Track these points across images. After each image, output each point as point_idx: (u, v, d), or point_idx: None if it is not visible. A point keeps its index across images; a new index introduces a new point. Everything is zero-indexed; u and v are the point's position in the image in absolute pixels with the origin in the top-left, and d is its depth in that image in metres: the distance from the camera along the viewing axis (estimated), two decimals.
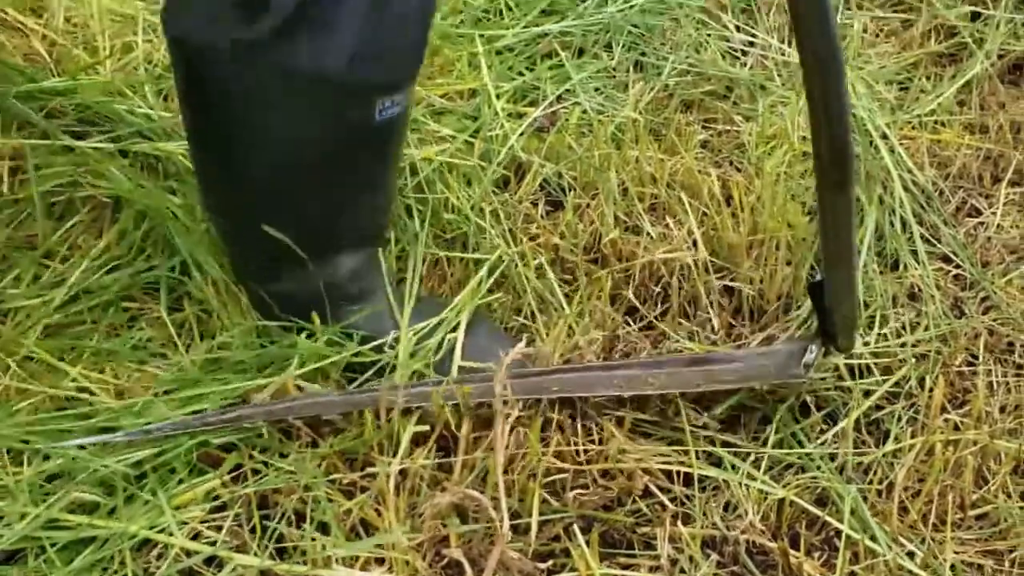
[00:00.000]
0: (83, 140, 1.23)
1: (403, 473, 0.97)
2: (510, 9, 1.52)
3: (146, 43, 1.37)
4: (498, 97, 1.36)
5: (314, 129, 0.98)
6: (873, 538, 0.98)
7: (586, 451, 1.01)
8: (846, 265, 0.99)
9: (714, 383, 1.05)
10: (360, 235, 1.08)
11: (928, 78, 1.55)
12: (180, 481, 0.98)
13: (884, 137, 1.39)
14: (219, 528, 0.94)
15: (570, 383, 1.04)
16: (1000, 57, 1.58)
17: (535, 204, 1.28)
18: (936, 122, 1.47)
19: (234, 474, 0.99)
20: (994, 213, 1.38)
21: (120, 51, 1.35)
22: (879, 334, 1.18)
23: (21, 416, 1.03)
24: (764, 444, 1.06)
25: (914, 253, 1.29)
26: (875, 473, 1.05)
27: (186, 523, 0.94)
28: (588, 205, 1.24)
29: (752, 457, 1.05)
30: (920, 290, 1.25)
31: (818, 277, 1.03)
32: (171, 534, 0.92)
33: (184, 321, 1.15)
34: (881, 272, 1.26)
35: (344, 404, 1.02)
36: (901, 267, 1.27)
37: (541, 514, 0.96)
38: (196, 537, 0.94)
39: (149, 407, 1.03)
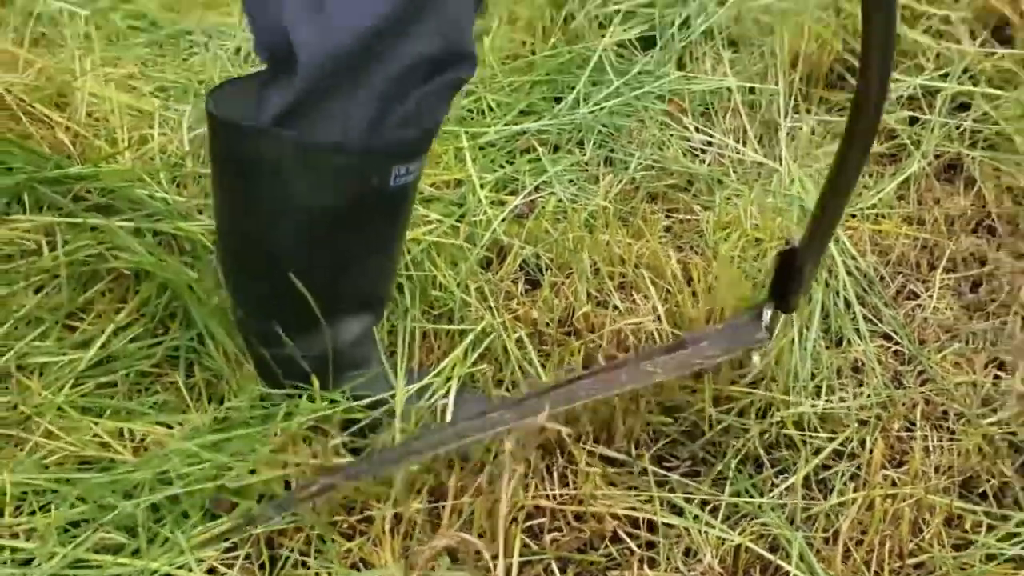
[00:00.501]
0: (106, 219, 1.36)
1: (397, 517, 1.08)
2: (491, 109, 1.67)
3: (161, 136, 1.51)
4: (482, 187, 1.50)
5: (331, 196, 1.09)
6: None
7: (561, 496, 1.12)
8: (830, 226, 1.17)
9: (701, 360, 1.18)
10: (366, 299, 1.20)
11: (870, 175, 1.70)
12: (195, 524, 1.08)
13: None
14: (232, 566, 1.05)
15: (583, 389, 1.14)
16: (936, 157, 1.74)
17: (515, 283, 1.41)
18: (877, 214, 1.62)
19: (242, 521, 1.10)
20: (930, 297, 1.52)
21: (137, 143, 1.49)
22: (826, 400, 1.30)
23: (47, 471, 1.14)
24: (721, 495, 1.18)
25: (857, 331, 1.43)
26: (821, 523, 1.17)
27: (203, 561, 1.04)
28: (563, 283, 1.38)
29: (710, 506, 1.16)
30: (863, 364, 1.38)
31: (791, 245, 1.18)
32: (191, 570, 1.03)
33: (195, 385, 1.27)
34: (827, 347, 1.39)
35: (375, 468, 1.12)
36: (845, 343, 1.41)
37: (521, 555, 1.07)
38: (212, 573, 1.04)
39: (165, 462, 1.14)
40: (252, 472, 1.12)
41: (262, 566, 1.05)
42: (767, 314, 1.23)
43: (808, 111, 1.79)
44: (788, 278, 1.21)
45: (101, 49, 1.62)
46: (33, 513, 1.09)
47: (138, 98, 1.55)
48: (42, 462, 1.15)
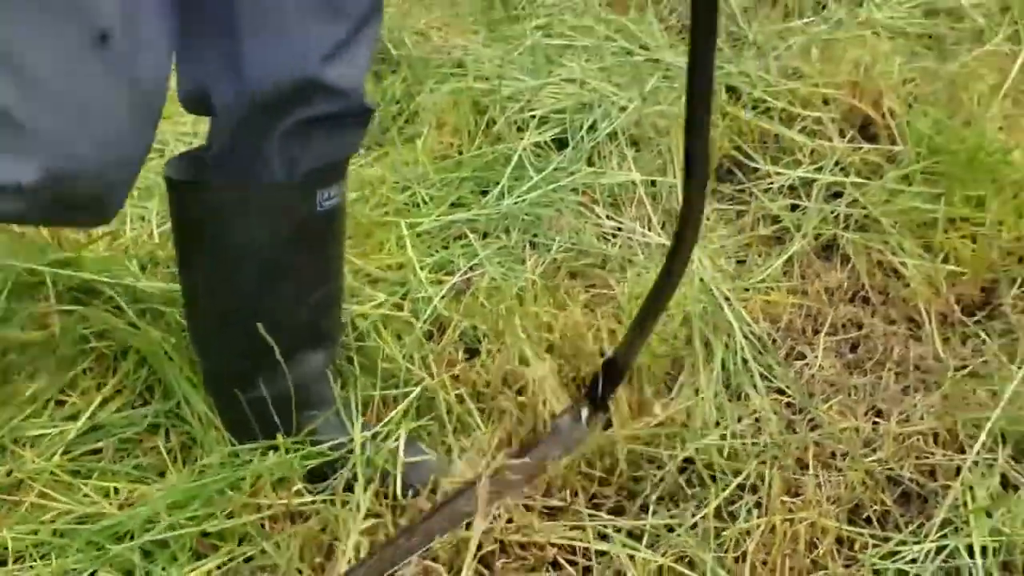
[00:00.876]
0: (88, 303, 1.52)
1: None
2: (426, 202, 1.87)
3: (132, 230, 1.67)
4: (421, 268, 1.68)
5: (270, 230, 1.29)
6: None
7: (505, 527, 1.29)
8: (645, 335, 1.42)
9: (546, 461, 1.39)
10: (321, 332, 1.38)
11: (759, 255, 1.93)
12: (183, 564, 1.22)
13: (727, 299, 1.75)
14: None
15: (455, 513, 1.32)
16: (815, 238, 1.98)
17: (456, 351, 1.59)
18: (767, 287, 1.84)
19: (226, 558, 1.24)
20: (816, 357, 1.73)
21: (110, 235, 1.64)
22: (729, 445, 1.50)
23: (44, 525, 1.27)
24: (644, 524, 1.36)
25: (754, 386, 1.63)
26: (731, 545, 1.35)
27: None
28: (498, 350, 1.56)
29: (635, 534, 1.34)
30: (760, 413, 1.58)
31: (609, 356, 1.41)
32: None
33: (171, 449, 1.41)
34: (729, 399, 1.59)
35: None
36: (744, 396, 1.61)
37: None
38: None
39: (151, 512, 1.27)
40: (230, 516, 1.27)
41: None
42: (585, 414, 1.46)
43: None
44: (608, 383, 1.45)
45: None
46: (33, 565, 1.22)
47: None
48: (39, 519, 1.27)
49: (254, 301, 1.34)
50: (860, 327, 1.80)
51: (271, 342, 1.32)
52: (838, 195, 2.03)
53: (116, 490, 1.33)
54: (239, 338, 1.35)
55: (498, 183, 1.92)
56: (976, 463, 1.48)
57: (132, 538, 1.23)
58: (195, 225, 1.33)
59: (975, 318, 1.81)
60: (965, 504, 1.42)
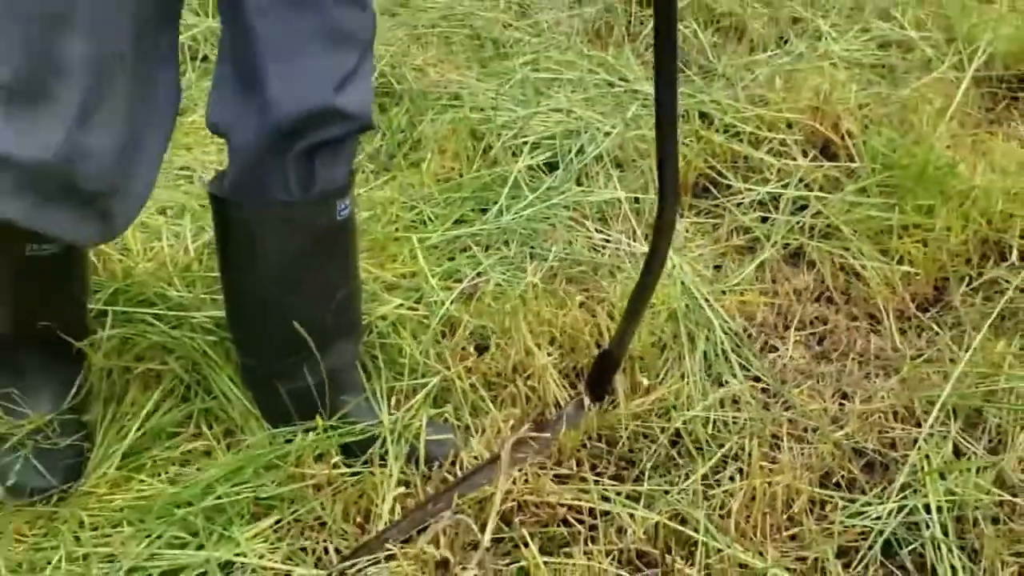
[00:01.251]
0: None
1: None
2: (432, 220, 2.06)
3: (169, 246, 1.85)
4: (432, 276, 1.87)
5: (299, 240, 1.48)
6: (717, 542, 1.46)
7: (521, 490, 1.47)
8: (632, 330, 1.60)
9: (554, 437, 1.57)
10: (349, 323, 1.57)
11: (734, 262, 2.13)
12: (242, 526, 1.39)
13: (707, 300, 1.95)
14: (277, 550, 1.36)
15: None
16: (784, 247, 2.18)
17: (466, 348, 1.77)
18: (742, 290, 2.04)
19: (278, 518, 1.42)
20: (787, 349, 1.93)
21: (152, 254, 1.83)
22: (713, 420, 1.69)
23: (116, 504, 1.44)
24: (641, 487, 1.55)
25: (733, 374, 1.83)
26: (718, 504, 1.54)
27: (253, 550, 1.35)
28: (506, 344, 1.75)
29: (634, 495, 1.53)
30: (739, 397, 1.78)
31: (605, 348, 1.59)
32: (246, 556, 1.33)
33: (216, 437, 1.58)
34: (711, 386, 1.78)
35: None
36: (724, 382, 1.80)
37: (498, 533, 1.41)
38: (262, 559, 1.35)
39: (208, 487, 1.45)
40: (279, 485, 1.45)
41: (302, 549, 1.37)
42: (586, 400, 1.66)
43: (681, 215, 2.23)
44: (605, 372, 1.65)
45: None
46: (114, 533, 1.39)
47: (145, 217, 1.89)
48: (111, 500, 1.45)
49: (290, 300, 1.52)
50: (826, 323, 2.00)
51: (306, 336, 1.50)
52: (803, 208, 2.24)
53: (169, 475, 1.50)
54: (278, 334, 1.53)
55: (496, 202, 2.11)
56: (931, 434, 1.68)
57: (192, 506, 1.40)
58: (234, 236, 1.52)
59: (928, 313, 2.02)
60: (922, 469, 1.62)
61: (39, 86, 1.24)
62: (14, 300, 1.55)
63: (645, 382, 1.71)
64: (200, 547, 1.35)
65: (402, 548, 1.36)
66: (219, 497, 1.41)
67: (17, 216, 1.31)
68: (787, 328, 1.99)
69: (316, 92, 1.38)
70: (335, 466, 1.48)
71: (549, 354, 1.73)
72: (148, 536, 1.36)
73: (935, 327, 1.97)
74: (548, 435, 1.57)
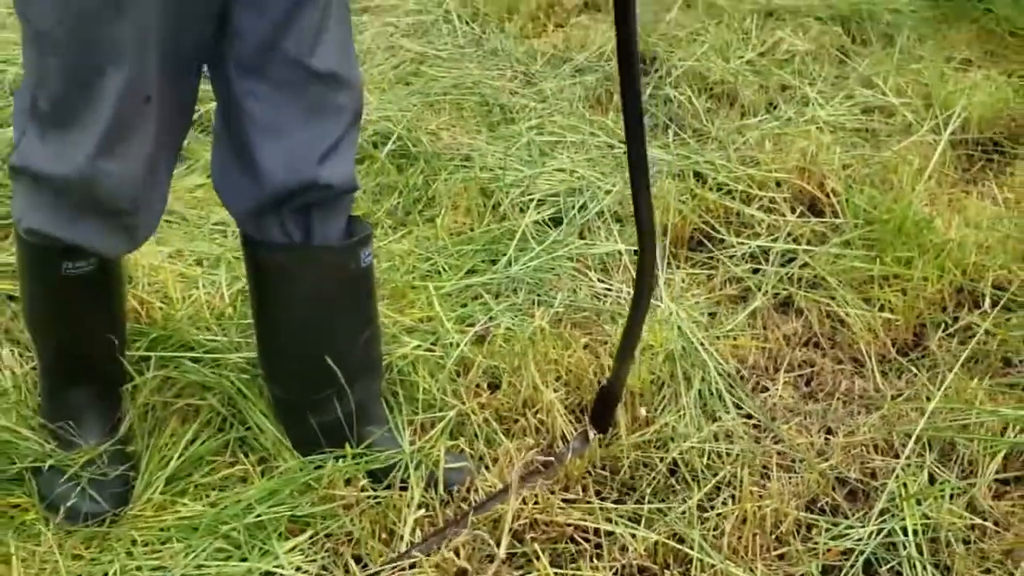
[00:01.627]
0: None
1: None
2: (446, 270, 2.23)
3: (205, 294, 2.01)
4: (447, 321, 2.03)
5: (329, 284, 1.65)
6: (711, 559, 1.60)
7: (532, 509, 1.62)
8: (627, 366, 1.74)
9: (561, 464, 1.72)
10: (373, 361, 1.73)
11: (727, 310, 2.28)
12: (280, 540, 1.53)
13: (702, 344, 2.10)
14: (315, 562, 1.50)
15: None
16: (774, 296, 2.34)
17: (480, 385, 1.92)
18: (735, 335, 2.19)
19: (312, 534, 1.56)
20: (776, 389, 2.08)
21: (190, 302, 1.99)
22: (708, 453, 1.83)
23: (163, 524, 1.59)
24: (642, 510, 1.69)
25: (727, 411, 1.97)
26: (711, 525, 1.68)
27: (291, 563, 1.49)
28: (516, 383, 1.90)
29: (635, 517, 1.67)
30: (731, 431, 1.92)
31: (605, 383, 1.75)
32: (284, 568, 1.47)
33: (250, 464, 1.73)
34: (706, 421, 1.93)
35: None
36: (718, 419, 1.95)
37: (511, 548, 1.55)
38: (299, 571, 1.49)
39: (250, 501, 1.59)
40: (312, 505, 1.59)
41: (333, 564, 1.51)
42: (592, 435, 1.80)
43: (678, 266, 2.39)
44: (606, 406, 1.79)
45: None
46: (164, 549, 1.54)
47: (186, 267, 2.05)
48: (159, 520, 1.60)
49: (320, 338, 1.68)
50: (813, 366, 2.15)
51: (337, 370, 1.66)
52: (792, 260, 2.40)
53: (209, 498, 1.65)
54: (310, 370, 1.68)
55: (506, 254, 2.28)
56: (908, 464, 1.83)
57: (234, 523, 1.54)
58: (270, 277, 1.68)
59: (908, 357, 2.17)
60: (900, 496, 1.76)
61: (71, 114, 1.43)
62: (56, 321, 1.71)
63: (645, 415, 1.86)
64: (243, 559, 1.49)
65: (425, 558, 1.50)
66: (259, 515, 1.55)
67: (49, 227, 1.53)
68: (777, 370, 2.13)
69: (301, 166, 1.56)
70: (362, 489, 1.63)
71: (556, 390, 1.88)
72: (195, 551, 1.50)
73: (914, 369, 2.12)
74: (555, 461, 1.72)
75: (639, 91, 1.48)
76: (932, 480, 1.81)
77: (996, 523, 1.72)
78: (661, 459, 1.79)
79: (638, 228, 1.63)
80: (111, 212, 1.53)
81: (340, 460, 1.66)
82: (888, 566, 1.65)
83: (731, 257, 2.42)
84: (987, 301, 2.24)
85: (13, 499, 1.65)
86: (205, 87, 1.57)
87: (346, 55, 1.58)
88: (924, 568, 1.63)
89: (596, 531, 1.64)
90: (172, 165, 1.62)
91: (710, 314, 2.26)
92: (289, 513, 1.56)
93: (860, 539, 1.70)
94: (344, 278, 1.67)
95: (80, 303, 1.68)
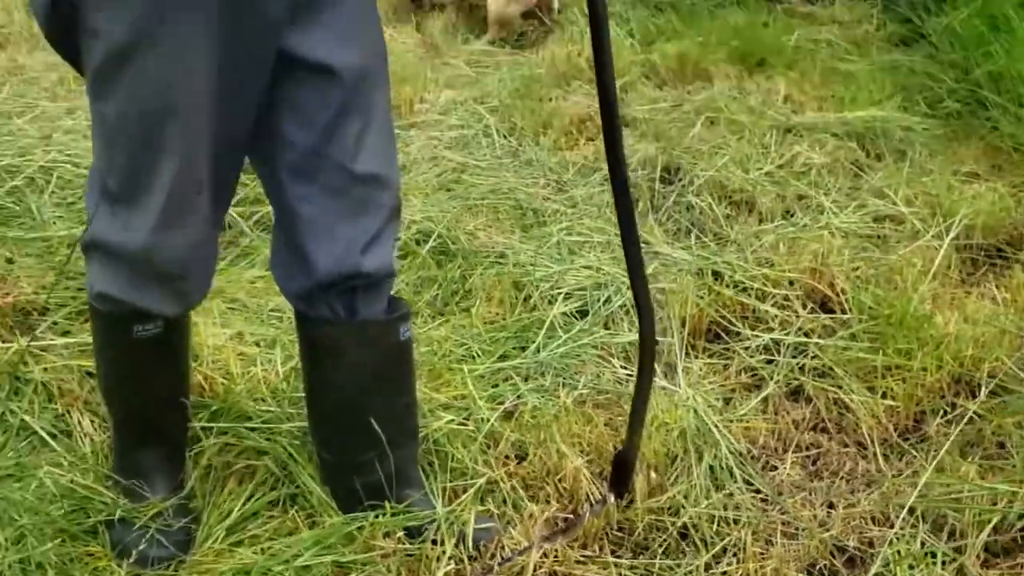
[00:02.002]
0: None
1: None
2: (479, 355, 2.43)
3: (263, 371, 2.23)
4: (480, 399, 2.23)
5: (375, 356, 1.84)
6: None
7: (553, 563, 1.78)
8: (640, 432, 1.91)
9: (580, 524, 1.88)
10: (412, 428, 1.92)
11: (741, 397, 2.46)
12: None
13: (716, 426, 2.27)
14: None
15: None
16: (786, 385, 2.52)
17: (509, 455, 2.11)
18: (747, 419, 2.37)
19: None
20: (784, 468, 2.24)
21: (249, 377, 2.20)
22: (716, 520, 1.99)
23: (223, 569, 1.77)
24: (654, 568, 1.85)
25: (737, 487, 2.13)
26: None
27: None
28: (541, 454, 2.08)
29: (648, 574, 1.82)
30: (739, 505, 2.08)
31: (620, 449, 1.91)
32: None
33: (300, 519, 1.92)
34: (715, 491, 2.09)
35: None
36: (727, 492, 2.11)
37: None
38: None
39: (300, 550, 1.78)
40: (355, 553, 1.77)
41: None
42: (610, 499, 1.98)
43: (696, 356, 2.58)
44: (622, 475, 1.96)
45: (216, 318, 2.37)
46: None
47: (244, 348, 2.28)
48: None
49: (364, 404, 1.88)
50: (819, 447, 2.31)
51: (380, 433, 1.85)
52: (802, 351, 2.58)
53: (263, 546, 1.83)
54: (355, 434, 1.88)
55: (535, 341, 2.48)
56: (903, 534, 1.97)
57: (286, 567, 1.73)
58: (318, 349, 1.89)
59: (908, 440, 2.32)
60: (894, 562, 1.90)
61: (134, 195, 1.67)
62: (127, 383, 1.91)
63: (659, 484, 2.03)
64: None
65: None
66: (306, 562, 1.73)
67: (117, 291, 1.76)
68: (785, 451, 2.30)
69: (346, 257, 1.77)
70: (399, 541, 1.81)
71: (579, 460, 2.06)
72: None
73: (913, 452, 2.27)
74: (575, 521, 1.89)
75: (622, 155, 1.72)
76: (924, 549, 1.96)
77: None
78: (672, 523, 1.96)
79: (637, 307, 1.84)
80: (167, 278, 1.75)
81: (380, 516, 1.84)
82: None
83: (746, 348, 2.60)
84: (983, 391, 2.40)
85: (89, 548, 1.84)
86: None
87: (387, 158, 1.80)
88: None
89: None
90: (217, 237, 1.84)
91: (725, 400, 2.43)
92: (333, 559, 1.74)
93: None
94: (385, 350, 1.87)
95: (149, 364, 1.88)
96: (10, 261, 2.56)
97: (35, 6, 1.64)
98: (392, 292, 1.88)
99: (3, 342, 2.25)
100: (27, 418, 2.07)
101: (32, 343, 2.22)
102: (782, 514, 2.06)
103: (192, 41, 1.58)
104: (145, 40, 1.56)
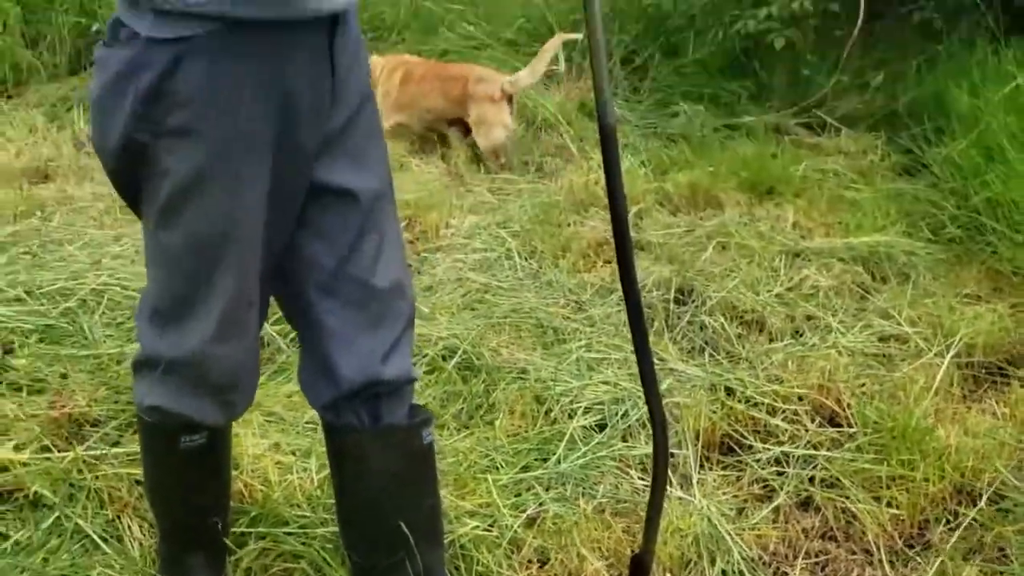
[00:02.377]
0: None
1: None
2: (502, 466, 2.56)
3: (299, 477, 2.37)
4: (503, 507, 2.35)
5: (398, 460, 1.96)
6: None
7: None
8: (655, 538, 2.01)
9: None
10: (434, 529, 2.02)
11: (754, 506, 2.57)
12: None
13: (729, 533, 2.39)
14: None
15: None
16: (796, 495, 2.63)
17: (530, 562, 2.22)
18: (758, 528, 2.48)
19: None
20: (794, 574, 2.35)
21: (286, 484, 2.34)
22: None
23: None
24: None
25: None
26: None
27: None
28: (564, 558, 2.20)
29: None
30: None
31: (637, 552, 2.03)
32: None
33: None
34: None
35: None
36: None
37: None
38: None
39: None
40: None
41: None
42: None
43: (710, 468, 2.70)
44: (638, 573, 2.07)
45: (255, 429, 2.53)
46: None
47: (281, 457, 2.42)
48: None
49: (390, 507, 2.00)
50: (828, 555, 2.42)
51: (408, 534, 1.98)
52: (811, 463, 2.71)
53: None
54: (383, 535, 2.00)
55: (556, 453, 2.62)
56: None
57: None
58: (348, 456, 2.02)
59: (913, 548, 2.43)
60: None
61: (189, 309, 1.81)
62: (174, 491, 2.04)
63: None
64: None
65: None
66: None
67: (166, 403, 1.88)
68: (796, 558, 2.40)
69: (368, 367, 1.90)
70: None
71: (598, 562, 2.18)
72: None
73: (918, 559, 2.38)
74: None
75: (635, 279, 1.87)
76: None
77: None
78: None
79: (651, 416, 1.98)
80: (218, 389, 1.89)
81: None
82: None
83: (757, 460, 2.73)
84: (984, 500, 2.51)
85: None
86: None
87: (401, 268, 1.95)
88: None
89: None
90: (258, 341, 1.97)
91: (738, 509, 2.55)
92: None
93: None
94: (409, 454, 1.99)
95: (194, 472, 2.02)
96: (64, 376, 2.73)
97: (103, 146, 1.78)
98: (416, 401, 2.02)
99: (59, 451, 2.41)
100: (81, 522, 2.21)
101: (85, 452, 2.38)
102: None
103: (249, 175, 1.77)
104: (208, 176, 1.74)
